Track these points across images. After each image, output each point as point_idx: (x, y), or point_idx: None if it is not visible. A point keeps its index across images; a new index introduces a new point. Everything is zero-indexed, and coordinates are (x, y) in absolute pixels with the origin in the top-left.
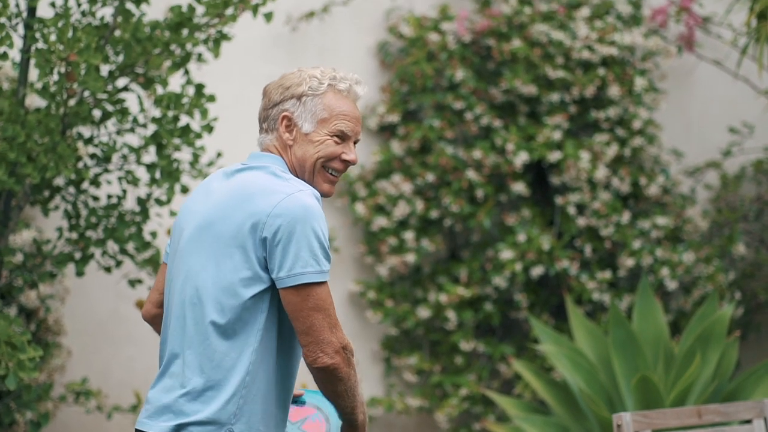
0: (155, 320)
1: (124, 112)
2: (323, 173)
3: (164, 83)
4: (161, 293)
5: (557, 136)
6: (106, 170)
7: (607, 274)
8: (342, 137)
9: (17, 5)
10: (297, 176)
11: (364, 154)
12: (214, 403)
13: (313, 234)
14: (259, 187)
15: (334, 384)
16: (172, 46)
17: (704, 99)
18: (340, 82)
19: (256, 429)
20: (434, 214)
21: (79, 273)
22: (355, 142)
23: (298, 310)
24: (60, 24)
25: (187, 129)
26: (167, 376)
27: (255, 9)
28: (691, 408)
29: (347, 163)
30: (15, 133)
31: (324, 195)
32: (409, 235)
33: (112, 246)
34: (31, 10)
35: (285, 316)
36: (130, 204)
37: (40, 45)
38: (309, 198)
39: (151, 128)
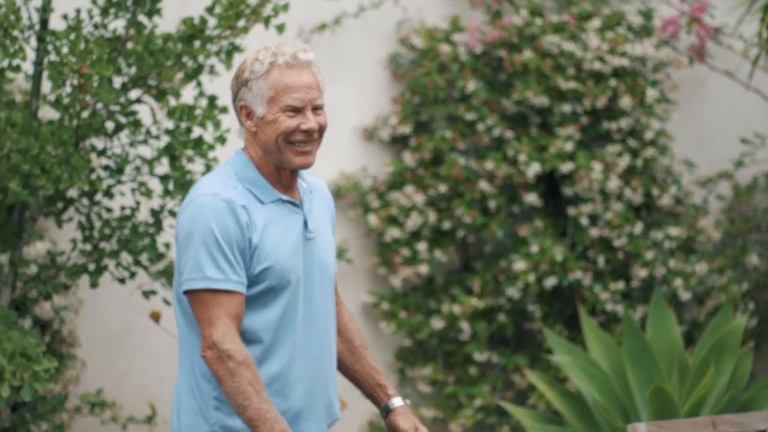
0: None
1: (136, 124)
2: (290, 148)
3: (177, 95)
4: None
5: (569, 147)
6: (120, 182)
7: (620, 285)
8: (295, 110)
9: (29, 18)
10: (268, 161)
11: (376, 165)
12: None
13: (200, 242)
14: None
15: (218, 379)
16: (184, 58)
17: (716, 109)
18: (279, 57)
19: None
20: (447, 225)
21: (93, 284)
22: (316, 108)
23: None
24: (72, 36)
25: (200, 140)
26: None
27: (267, 21)
28: (705, 418)
29: (309, 132)
30: (29, 145)
31: (300, 168)
32: (422, 246)
33: (125, 257)
34: (44, 23)
35: None
36: (143, 215)
37: (53, 57)
38: (201, 207)
39: (164, 140)
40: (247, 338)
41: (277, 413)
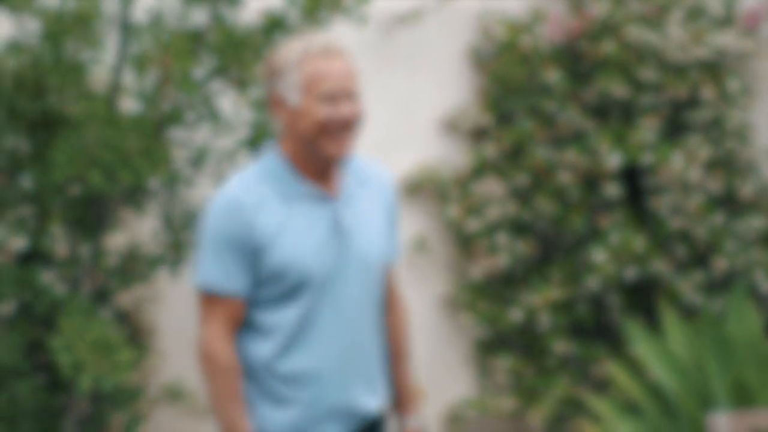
0: None
1: (217, 116)
2: (326, 137)
3: (258, 86)
4: None
5: (650, 138)
6: (200, 173)
7: (700, 276)
8: (330, 98)
9: (111, 10)
10: (302, 153)
11: (456, 157)
12: None
13: (208, 241)
14: None
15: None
16: (265, 50)
17: None
18: (313, 46)
19: None
20: (527, 216)
21: (173, 274)
22: (351, 96)
23: None
24: (154, 29)
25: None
26: None
27: (348, 12)
28: None
29: (346, 120)
30: (110, 136)
31: (338, 157)
32: (501, 237)
33: None
34: (126, 15)
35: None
36: None
37: (135, 49)
38: (215, 206)
39: (245, 131)
40: (267, 334)
41: (244, 422)
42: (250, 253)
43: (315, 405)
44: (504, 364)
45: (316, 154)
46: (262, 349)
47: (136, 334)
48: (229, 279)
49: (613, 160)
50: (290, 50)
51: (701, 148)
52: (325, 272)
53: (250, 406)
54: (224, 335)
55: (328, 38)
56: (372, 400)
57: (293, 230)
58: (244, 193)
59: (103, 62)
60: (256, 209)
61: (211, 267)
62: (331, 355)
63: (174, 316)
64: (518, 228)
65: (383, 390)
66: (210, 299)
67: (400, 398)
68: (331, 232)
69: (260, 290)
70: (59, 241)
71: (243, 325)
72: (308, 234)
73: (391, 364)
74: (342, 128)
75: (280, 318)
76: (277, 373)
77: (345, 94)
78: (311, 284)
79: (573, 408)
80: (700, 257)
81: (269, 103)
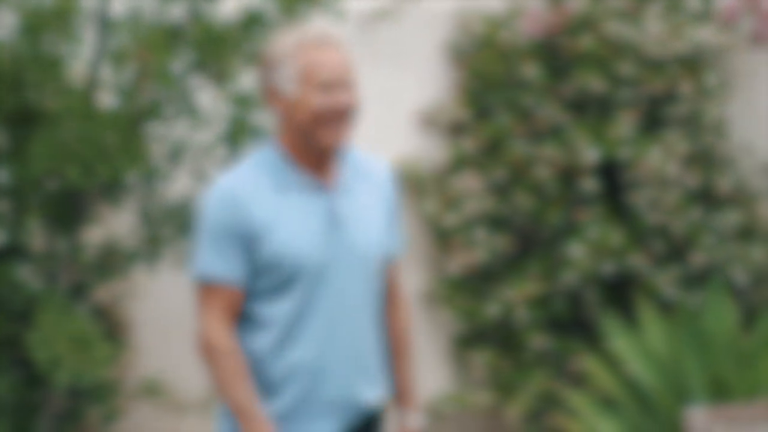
0: None
1: (195, 111)
2: (324, 126)
3: (236, 81)
4: None
5: (627, 132)
6: (178, 168)
7: (677, 271)
8: (326, 87)
9: (89, 5)
10: (298, 144)
11: (434, 152)
12: None
13: (203, 232)
14: None
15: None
16: (244, 45)
17: None
18: (308, 37)
19: None
20: (504, 210)
21: (151, 268)
22: (347, 86)
23: None
24: (132, 23)
25: (257, 128)
26: None
27: (326, 6)
28: (763, 403)
29: (342, 109)
30: (88, 131)
31: (334, 147)
32: (479, 232)
33: (184, 243)
34: (104, 9)
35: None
36: None
37: (113, 44)
38: (210, 197)
39: (223, 126)
40: (263, 326)
41: (255, 405)
42: (247, 242)
43: (312, 398)
44: (481, 358)
45: (313, 144)
46: (259, 342)
47: (113, 329)
48: (227, 267)
49: (590, 154)
50: (285, 42)
51: (679, 143)
52: (319, 262)
53: None
54: (223, 324)
55: (323, 29)
56: (371, 393)
57: (288, 220)
58: (239, 183)
59: (81, 57)
60: (250, 199)
61: (208, 256)
62: (329, 348)
63: (152, 311)
64: (496, 223)
65: (383, 383)
66: (208, 289)
67: (401, 395)
68: (327, 223)
69: (256, 281)
70: (36, 235)
71: (240, 318)
72: (303, 224)
73: (392, 360)
74: (338, 117)
75: (277, 310)
76: (275, 366)
77: (340, 83)
78: (306, 275)
79: (550, 402)
80: (677, 252)
81: (265, 96)
